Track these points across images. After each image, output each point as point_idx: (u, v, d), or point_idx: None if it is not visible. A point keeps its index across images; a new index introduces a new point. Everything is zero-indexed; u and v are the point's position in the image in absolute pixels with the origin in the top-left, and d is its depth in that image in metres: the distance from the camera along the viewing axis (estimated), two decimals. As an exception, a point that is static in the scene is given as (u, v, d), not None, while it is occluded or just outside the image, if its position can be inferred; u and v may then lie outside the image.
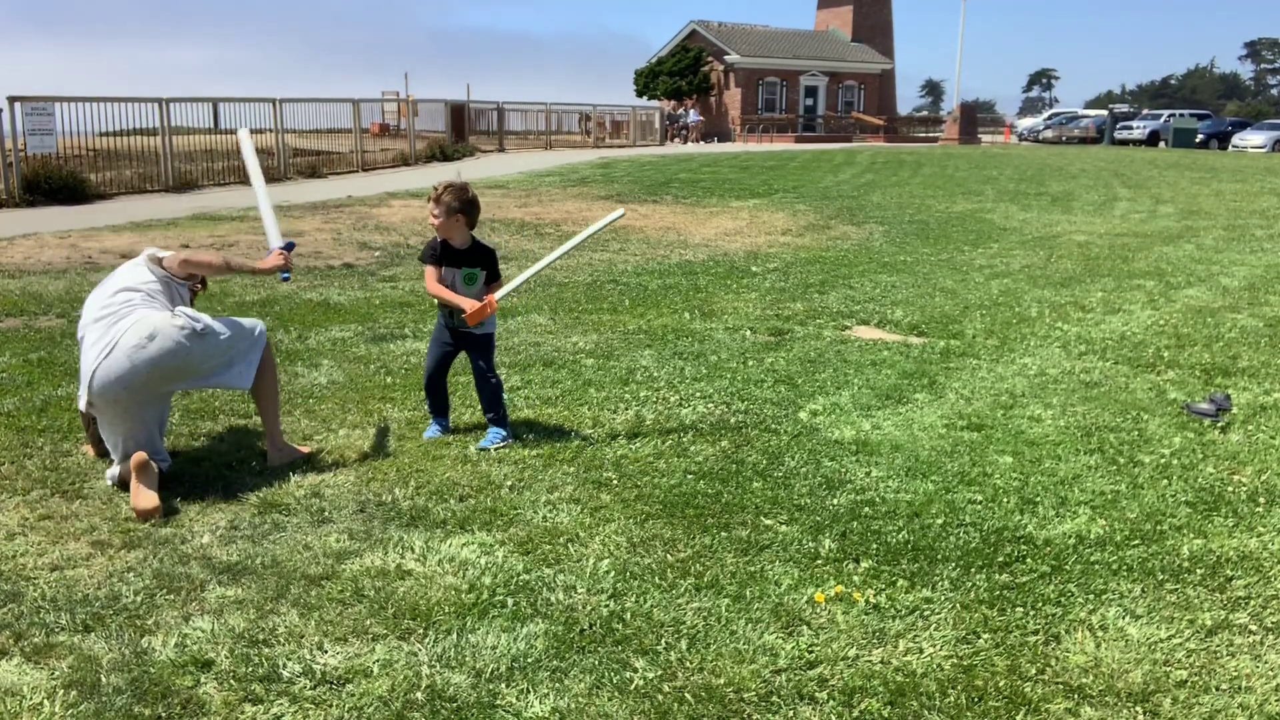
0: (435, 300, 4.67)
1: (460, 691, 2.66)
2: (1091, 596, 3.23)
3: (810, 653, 2.87)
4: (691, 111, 45.75)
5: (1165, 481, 4.24)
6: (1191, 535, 3.71)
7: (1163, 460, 4.49)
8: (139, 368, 3.88)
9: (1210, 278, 9.58)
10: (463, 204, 4.45)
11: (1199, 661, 2.88)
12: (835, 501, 3.95)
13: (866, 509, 3.87)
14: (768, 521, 3.75)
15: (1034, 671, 2.81)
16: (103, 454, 4.20)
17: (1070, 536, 3.66)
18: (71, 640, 2.87)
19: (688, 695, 2.66)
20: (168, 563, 3.35)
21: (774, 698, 2.66)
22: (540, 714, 2.57)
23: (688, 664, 2.81)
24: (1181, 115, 48.75)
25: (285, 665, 2.76)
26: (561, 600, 3.14)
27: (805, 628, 3.00)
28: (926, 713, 2.61)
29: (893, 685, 2.72)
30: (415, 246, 10.57)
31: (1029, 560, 3.46)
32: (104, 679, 2.68)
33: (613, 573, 3.32)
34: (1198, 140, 42.78)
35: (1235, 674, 2.82)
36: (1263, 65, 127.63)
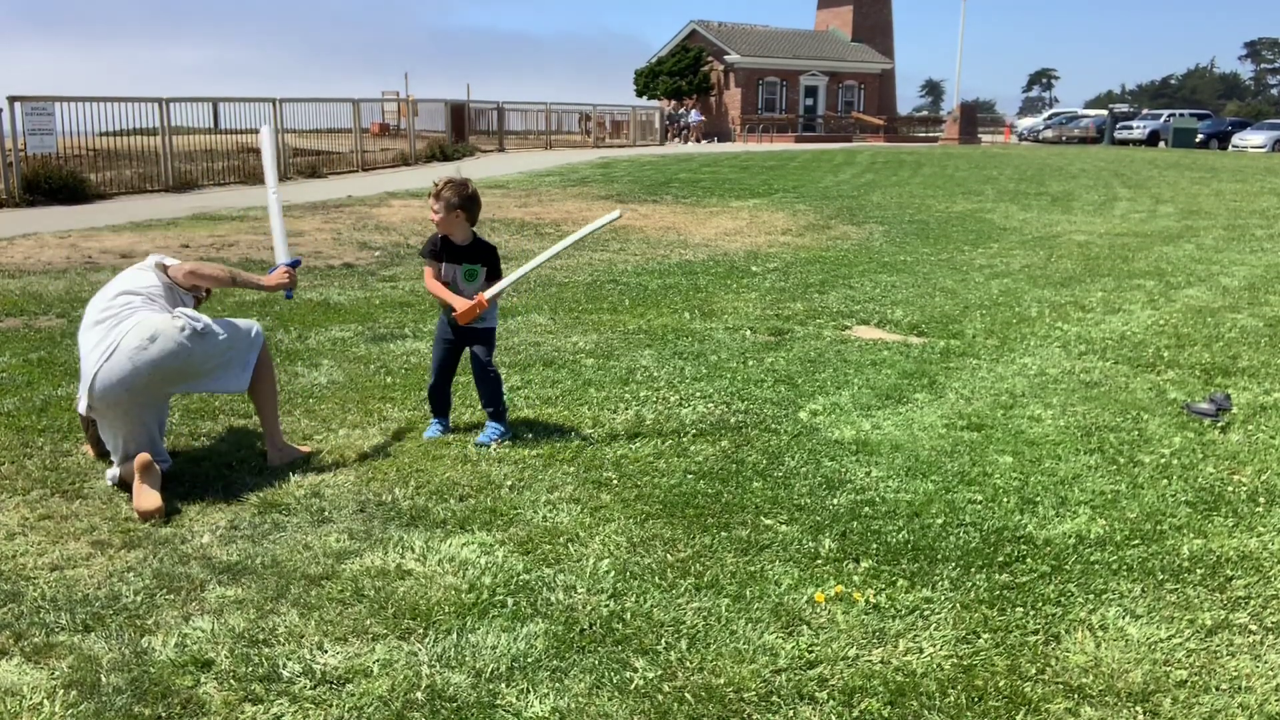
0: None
1: (460, 691, 2.66)
2: (1091, 596, 3.23)
3: (810, 652, 2.87)
4: (692, 111, 45.74)
5: (1165, 481, 4.24)
6: (1191, 535, 3.71)
7: (1163, 460, 4.49)
8: (140, 369, 3.89)
9: (1210, 277, 9.58)
10: (463, 200, 4.43)
11: (1199, 661, 2.88)
12: (835, 501, 3.95)
13: (866, 509, 3.87)
14: (768, 521, 3.75)
15: (1034, 671, 2.81)
16: (102, 455, 4.20)
17: (1070, 536, 3.66)
18: (71, 640, 2.87)
19: (688, 695, 2.66)
20: (168, 563, 3.35)
21: (774, 697, 2.66)
22: (540, 714, 2.57)
23: (688, 664, 2.81)
24: (1181, 115, 48.76)
25: (285, 665, 2.76)
26: (561, 600, 3.14)
27: (805, 627, 3.00)
28: (926, 713, 2.61)
29: (893, 685, 2.72)
30: (415, 246, 10.57)
31: (1029, 560, 3.46)
32: (104, 679, 2.68)
33: (613, 572, 3.32)
34: (1198, 140, 42.80)
35: (1235, 674, 2.82)
36: (1263, 65, 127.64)
